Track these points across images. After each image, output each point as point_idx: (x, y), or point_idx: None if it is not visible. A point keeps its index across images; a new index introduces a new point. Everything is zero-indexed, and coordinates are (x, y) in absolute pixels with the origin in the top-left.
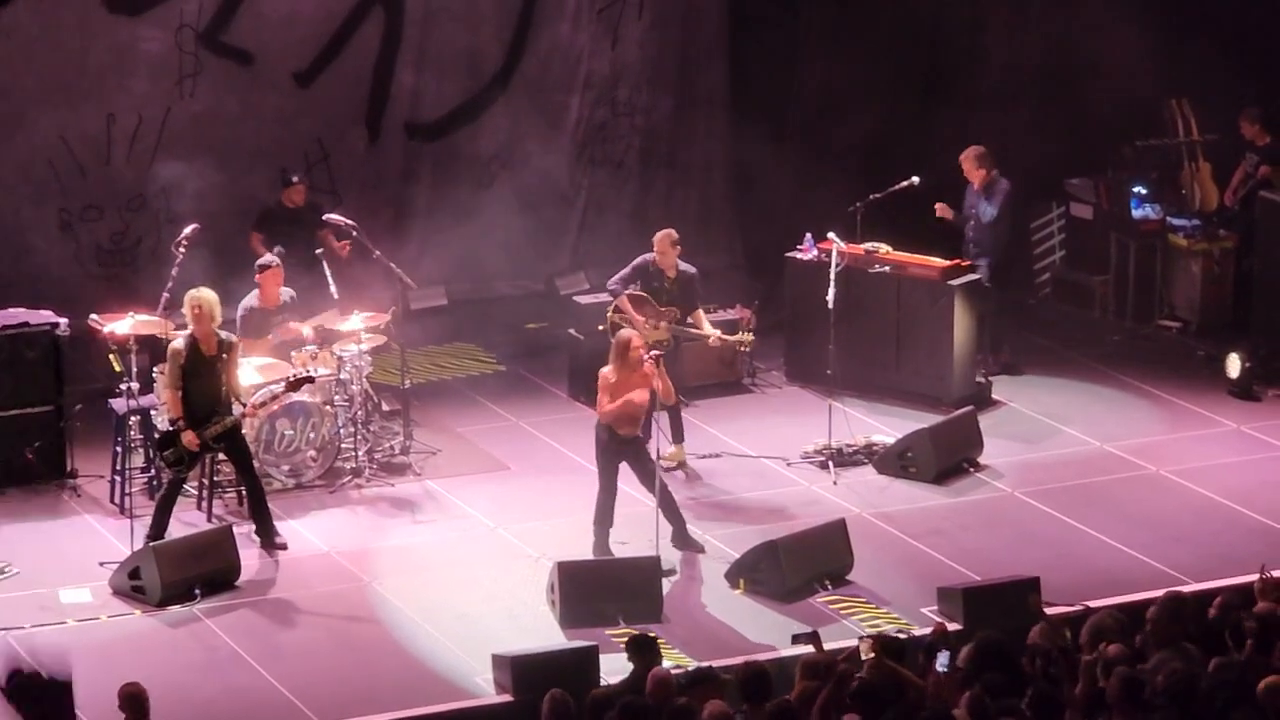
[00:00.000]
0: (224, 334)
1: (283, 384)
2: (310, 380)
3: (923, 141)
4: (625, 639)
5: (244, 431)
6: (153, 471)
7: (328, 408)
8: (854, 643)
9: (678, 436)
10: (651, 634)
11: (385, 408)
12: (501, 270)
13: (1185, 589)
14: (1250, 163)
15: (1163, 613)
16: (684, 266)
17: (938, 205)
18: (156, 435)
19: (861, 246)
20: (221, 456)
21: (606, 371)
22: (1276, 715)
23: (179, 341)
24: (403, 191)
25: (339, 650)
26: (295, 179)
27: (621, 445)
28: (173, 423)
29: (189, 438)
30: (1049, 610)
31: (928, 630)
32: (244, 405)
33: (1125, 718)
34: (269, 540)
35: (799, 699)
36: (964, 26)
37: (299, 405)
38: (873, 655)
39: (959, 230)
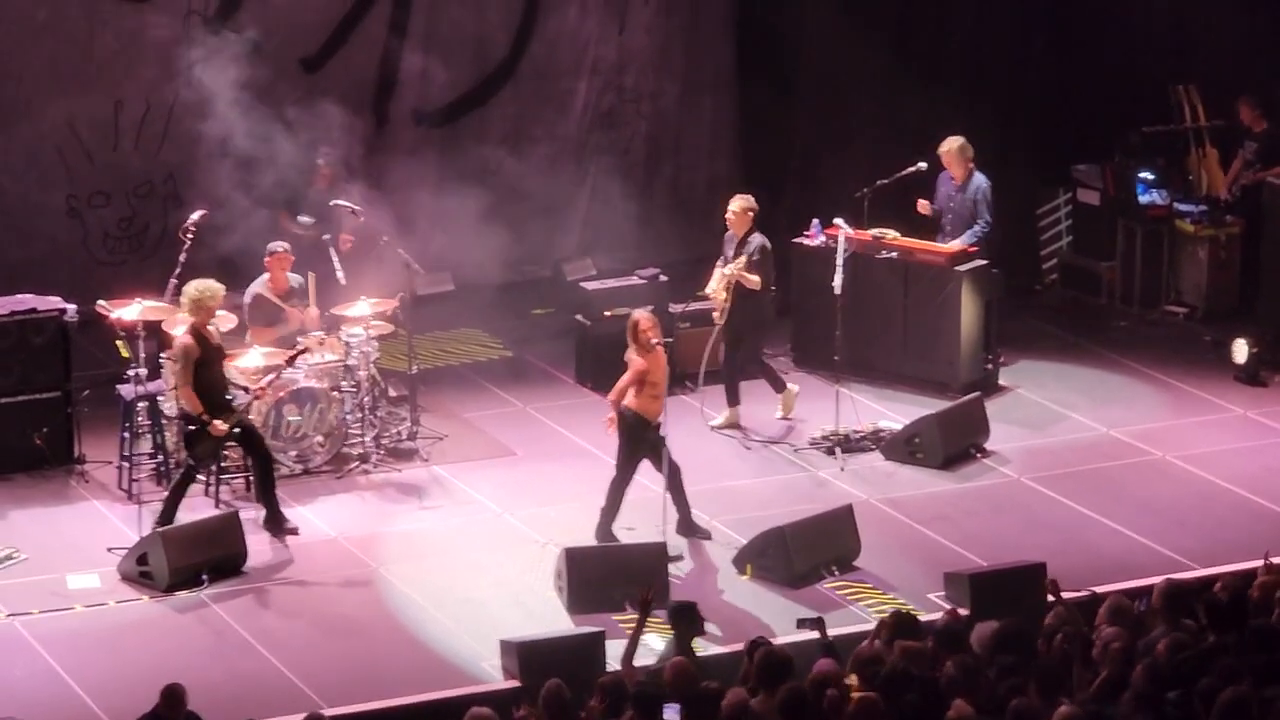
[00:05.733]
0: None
1: (282, 362)
2: (306, 351)
3: (930, 126)
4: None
5: (251, 416)
6: (160, 457)
7: (335, 393)
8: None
9: (733, 399)
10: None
11: (392, 393)
12: (508, 256)
13: (1188, 574)
14: (1248, 149)
15: (1165, 594)
16: (756, 238)
17: (919, 203)
18: (186, 434)
19: (869, 232)
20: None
21: (633, 359)
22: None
23: (187, 337)
24: (410, 177)
25: (346, 636)
26: (320, 162)
27: (650, 431)
28: (195, 420)
29: (219, 427)
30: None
31: (935, 615)
32: (243, 389)
33: (1141, 703)
34: (277, 527)
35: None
36: (971, 8)
37: (306, 391)
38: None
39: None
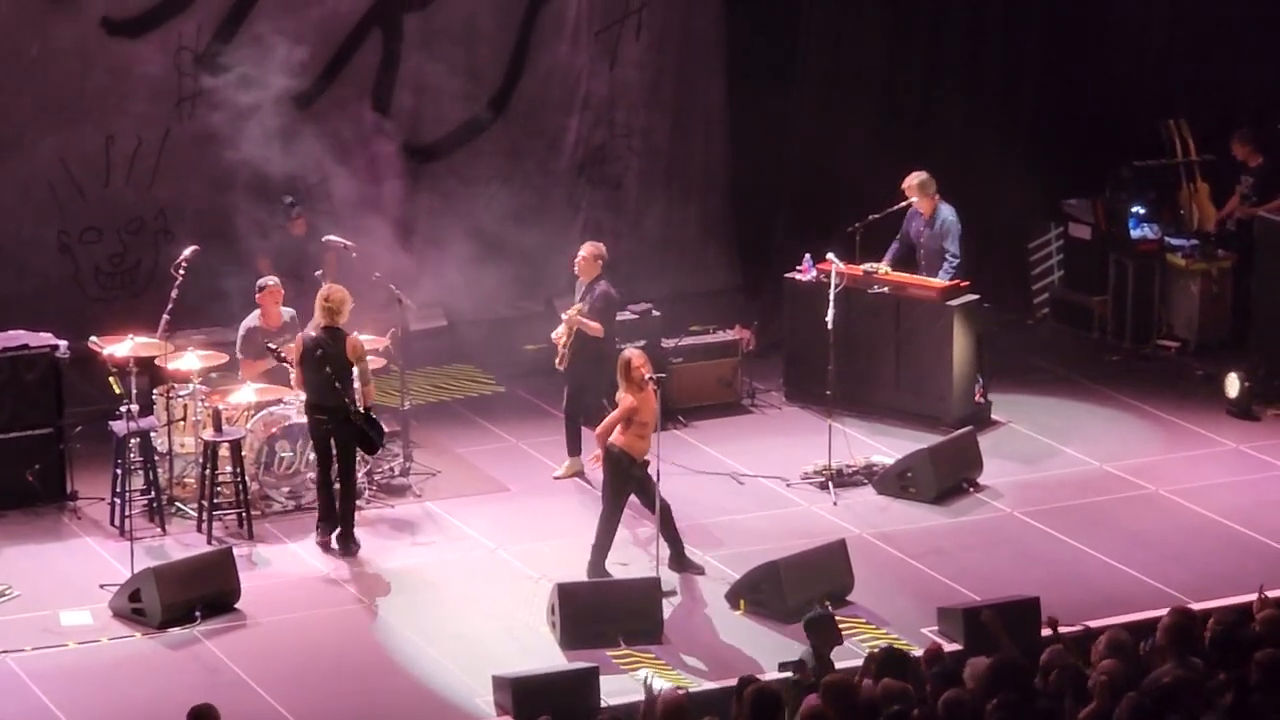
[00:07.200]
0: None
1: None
2: (286, 360)
3: (922, 162)
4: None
5: (244, 453)
6: (153, 493)
7: None
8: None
9: (574, 448)
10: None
11: (385, 429)
12: (500, 291)
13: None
14: (1244, 184)
15: (1172, 629)
16: (600, 285)
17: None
18: (375, 430)
19: (860, 267)
20: (223, 478)
21: (623, 397)
22: None
23: (353, 337)
24: (402, 213)
25: (339, 672)
26: (296, 213)
27: (637, 468)
28: (370, 410)
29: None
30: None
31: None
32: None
33: None
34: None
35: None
36: (962, 43)
37: (298, 427)
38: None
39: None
